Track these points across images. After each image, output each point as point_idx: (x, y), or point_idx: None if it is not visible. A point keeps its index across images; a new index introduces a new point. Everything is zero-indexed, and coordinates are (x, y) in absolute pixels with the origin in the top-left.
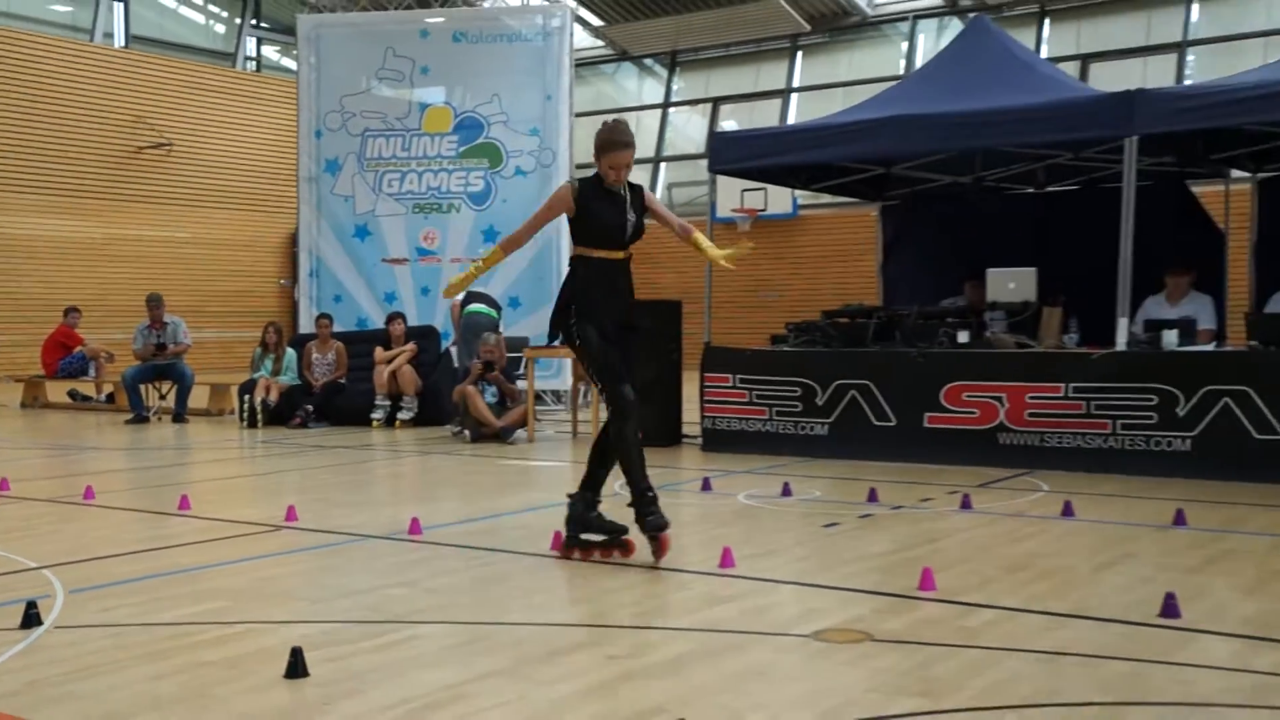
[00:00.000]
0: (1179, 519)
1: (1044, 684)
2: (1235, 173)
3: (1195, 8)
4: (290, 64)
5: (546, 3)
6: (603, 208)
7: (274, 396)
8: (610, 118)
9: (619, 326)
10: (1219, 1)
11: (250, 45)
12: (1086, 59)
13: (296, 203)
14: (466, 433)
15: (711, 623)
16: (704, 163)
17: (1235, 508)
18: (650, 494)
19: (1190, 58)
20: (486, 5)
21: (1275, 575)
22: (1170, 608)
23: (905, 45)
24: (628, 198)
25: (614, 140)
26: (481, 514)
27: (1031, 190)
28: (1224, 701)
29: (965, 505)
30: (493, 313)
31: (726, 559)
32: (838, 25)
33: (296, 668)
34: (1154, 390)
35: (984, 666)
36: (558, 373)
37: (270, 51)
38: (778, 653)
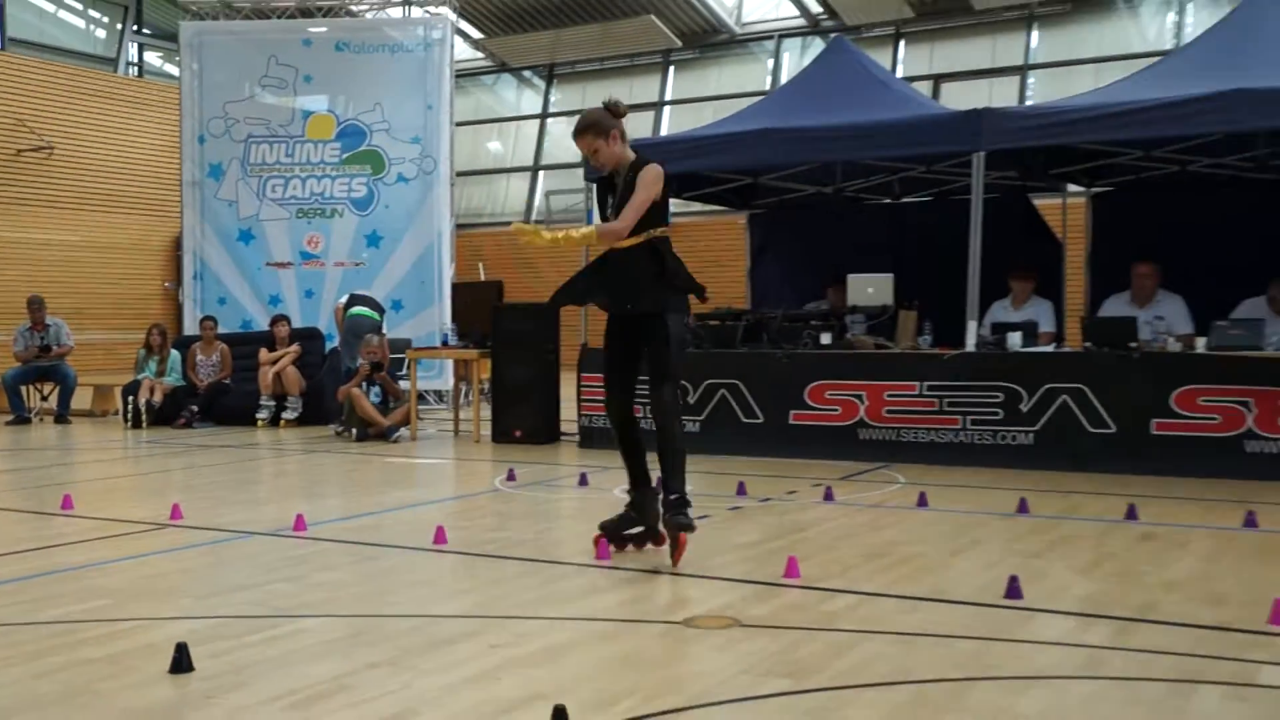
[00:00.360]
0: (1022, 507)
1: (900, 663)
2: (1072, 187)
3: (1035, 34)
4: (173, 70)
5: (428, 15)
6: (603, 195)
7: (158, 397)
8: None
9: (618, 318)
10: (1056, 29)
11: (132, 51)
12: (938, 79)
13: (181, 207)
14: (352, 431)
15: (589, 612)
16: (581, 171)
17: (1072, 496)
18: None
19: (1031, 80)
20: (369, 16)
21: (1107, 557)
22: (1014, 589)
23: (771, 62)
24: (621, 183)
25: (573, 131)
26: (366, 510)
27: (888, 201)
28: (1060, 674)
29: (828, 497)
30: (375, 315)
31: (602, 551)
32: (707, 42)
33: (181, 663)
34: (1000, 388)
35: (845, 648)
36: (440, 373)
37: (153, 57)
38: (652, 639)
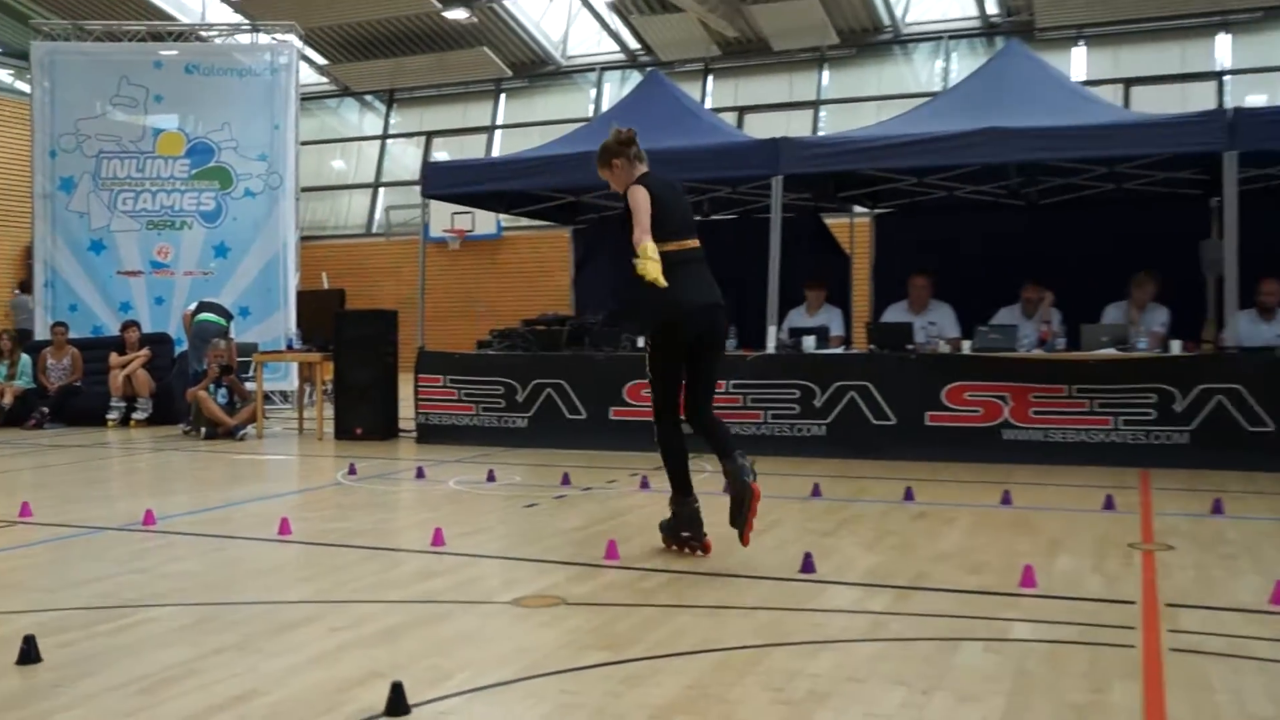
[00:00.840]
0: (816, 491)
1: (708, 633)
2: (858, 209)
3: (826, 73)
4: (24, 87)
5: (274, 41)
6: None
7: (8, 400)
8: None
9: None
10: (844, 70)
11: None
12: (742, 110)
13: (31, 218)
14: (200, 430)
15: (424, 595)
16: (419, 188)
17: (859, 481)
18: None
19: (823, 113)
20: (218, 42)
21: (888, 534)
22: (808, 564)
23: (593, 92)
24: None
25: None
26: (213, 504)
27: (699, 218)
28: (847, 638)
29: (644, 485)
30: (222, 321)
31: (438, 538)
32: (536, 72)
33: (29, 654)
34: (796, 385)
35: (659, 622)
36: (285, 375)
37: (3, 74)
38: (483, 618)
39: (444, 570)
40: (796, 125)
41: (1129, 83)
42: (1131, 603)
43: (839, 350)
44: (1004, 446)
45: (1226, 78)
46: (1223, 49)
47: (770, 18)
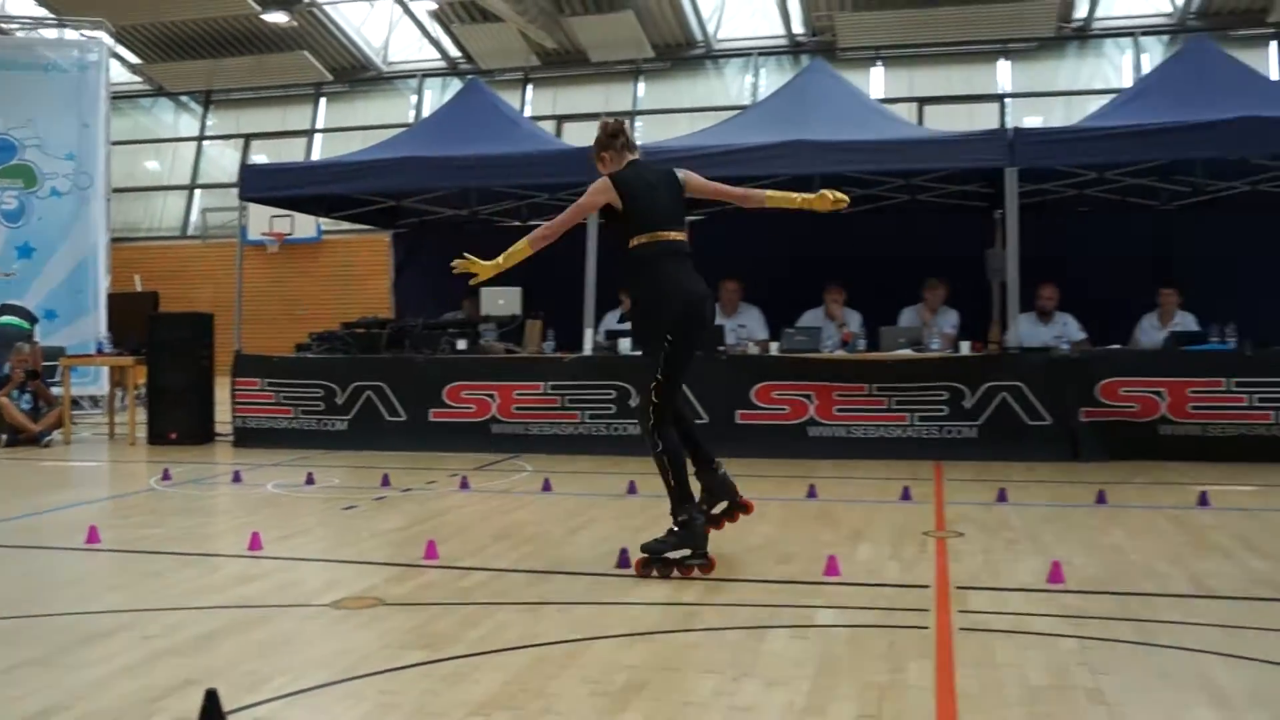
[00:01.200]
0: (631, 489)
1: (527, 629)
2: None
3: (642, 85)
4: None
5: (83, 37)
6: None
7: None
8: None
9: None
10: (659, 82)
11: None
12: (561, 119)
13: None
14: (2, 437)
15: (242, 600)
16: (236, 191)
17: None
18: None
19: (639, 123)
20: (20, 35)
21: None
22: (624, 559)
23: (414, 98)
24: None
25: None
26: (17, 513)
27: (519, 223)
28: (662, 629)
29: (464, 486)
30: (25, 324)
31: (255, 542)
32: (356, 77)
33: None
34: (612, 386)
35: (478, 619)
36: (95, 379)
37: None
38: (301, 621)
39: (261, 574)
40: None
41: (922, 102)
42: (926, 587)
43: None
44: (810, 443)
45: (1008, 100)
46: (1004, 74)
47: (588, 30)
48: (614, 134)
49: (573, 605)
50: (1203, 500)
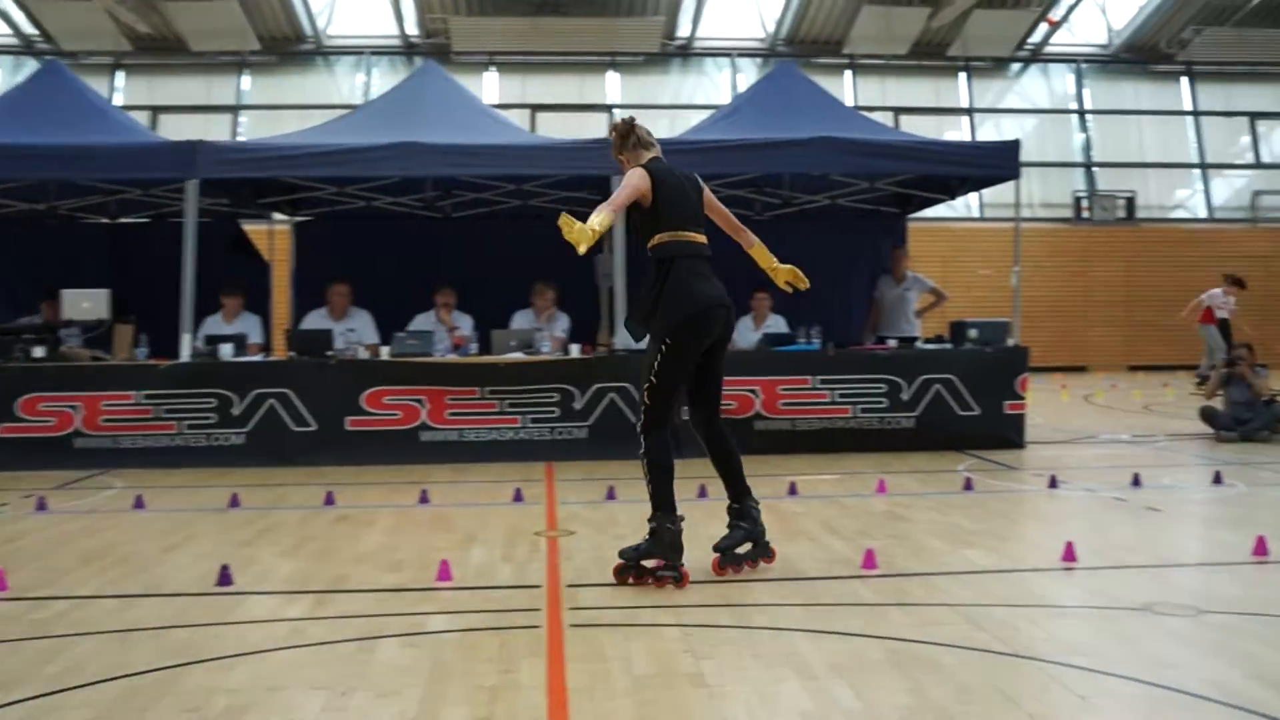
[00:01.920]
0: (234, 501)
1: (114, 659)
2: (278, 216)
3: (247, 78)
4: None
5: None
6: None
7: None
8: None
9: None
10: (266, 76)
11: None
12: (157, 110)
13: None
14: None
15: None
16: None
17: (279, 489)
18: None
19: (243, 119)
20: None
21: (308, 539)
22: (225, 577)
23: None
24: None
25: None
26: None
27: (106, 220)
28: (265, 647)
29: (41, 507)
30: None
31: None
32: None
33: None
34: (214, 394)
35: (55, 653)
36: None
37: None
38: None
39: None
40: (216, 129)
41: (535, 109)
42: (537, 586)
43: (258, 358)
44: (422, 447)
45: (614, 110)
46: (613, 85)
47: (187, 17)
48: (624, 135)
49: (167, 629)
50: (792, 490)
